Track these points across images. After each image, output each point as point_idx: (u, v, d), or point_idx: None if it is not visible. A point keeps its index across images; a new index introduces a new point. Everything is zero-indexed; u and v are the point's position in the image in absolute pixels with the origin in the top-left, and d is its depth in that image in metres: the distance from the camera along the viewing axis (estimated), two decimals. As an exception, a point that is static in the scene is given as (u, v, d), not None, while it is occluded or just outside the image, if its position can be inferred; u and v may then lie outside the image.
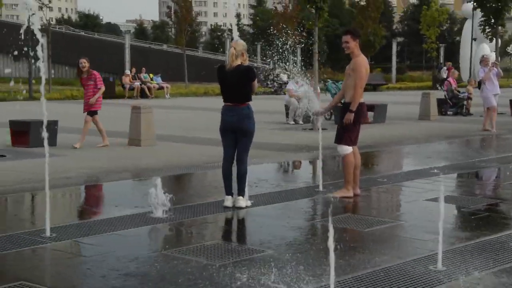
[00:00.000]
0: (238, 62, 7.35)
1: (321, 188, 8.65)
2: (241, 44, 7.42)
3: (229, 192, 7.59)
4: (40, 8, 35.32)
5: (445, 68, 41.44)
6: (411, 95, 30.78)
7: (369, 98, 27.04)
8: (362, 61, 8.10)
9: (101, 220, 6.91)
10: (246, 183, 7.60)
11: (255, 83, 7.43)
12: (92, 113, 13.28)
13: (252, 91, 7.47)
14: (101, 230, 6.49)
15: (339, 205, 7.87)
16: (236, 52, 7.32)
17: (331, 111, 19.36)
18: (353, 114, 7.98)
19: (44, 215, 6.31)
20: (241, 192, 7.52)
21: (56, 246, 5.95)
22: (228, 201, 7.55)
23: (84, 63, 13.25)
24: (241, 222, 7.27)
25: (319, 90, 18.59)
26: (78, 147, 12.89)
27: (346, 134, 8.10)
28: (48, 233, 6.22)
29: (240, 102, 7.40)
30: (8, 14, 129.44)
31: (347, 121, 8.00)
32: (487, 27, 24.18)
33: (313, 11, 17.15)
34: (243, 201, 7.52)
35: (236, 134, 7.48)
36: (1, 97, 29.49)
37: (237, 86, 7.37)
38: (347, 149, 8.15)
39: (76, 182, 9.36)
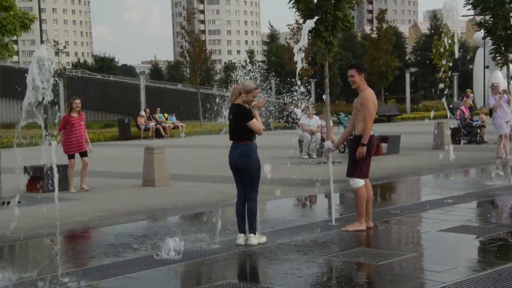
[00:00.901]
0: (238, 101, 7.47)
1: (333, 222, 8.62)
2: (242, 84, 7.51)
3: (241, 229, 7.60)
4: (56, 53, 36.00)
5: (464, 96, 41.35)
6: (425, 124, 30.69)
7: (383, 129, 27.21)
8: (369, 95, 8.17)
9: (115, 263, 6.92)
10: (258, 220, 7.59)
11: (252, 123, 7.39)
12: (85, 153, 13.27)
13: (254, 130, 7.45)
14: (114, 274, 6.49)
15: (352, 238, 7.84)
16: (235, 91, 7.44)
17: (344, 143, 19.41)
18: (365, 147, 7.99)
19: (57, 260, 6.34)
20: (251, 230, 7.52)
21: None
22: (241, 239, 7.55)
23: (79, 103, 13.19)
24: (252, 260, 7.24)
25: (331, 124, 18.65)
26: (74, 191, 12.86)
27: (357, 167, 8.11)
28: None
29: (239, 140, 7.48)
30: (25, 61, 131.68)
31: (360, 155, 8.02)
32: (497, 54, 24.20)
33: (323, 45, 17.25)
34: (254, 239, 7.51)
35: (240, 172, 7.53)
36: (19, 142, 29.81)
37: (233, 124, 7.51)
38: (359, 182, 8.15)
39: (90, 226, 9.39)
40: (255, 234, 7.53)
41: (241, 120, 7.44)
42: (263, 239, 7.60)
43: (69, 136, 13.12)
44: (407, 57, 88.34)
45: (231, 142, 7.61)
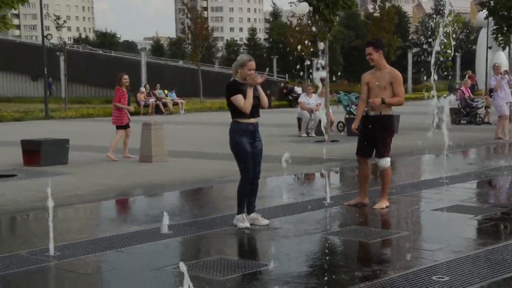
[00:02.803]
0: (237, 78, 7.34)
1: (328, 200, 8.64)
2: (237, 60, 7.41)
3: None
4: (57, 28, 35.83)
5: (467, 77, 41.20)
6: (426, 105, 30.66)
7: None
8: (400, 74, 8.25)
9: (109, 237, 6.93)
10: (242, 203, 7.32)
11: (235, 99, 7.11)
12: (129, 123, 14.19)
13: (237, 107, 7.16)
14: (107, 247, 6.50)
15: (346, 216, 7.86)
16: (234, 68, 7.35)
17: (343, 123, 19.37)
18: (382, 104, 7.99)
19: (49, 233, 6.35)
20: (238, 209, 7.37)
21: (59, 264, 5.97)
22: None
23: (128, 78, 14.38)
24: (248, 237, 7.25)
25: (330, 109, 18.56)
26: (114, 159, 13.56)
27: (388, 147, 8.15)
28: (52, 252, 6.25)
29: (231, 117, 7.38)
30: (27, 35, 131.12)
31: (372, 103, 8.01)
32: (499, 35, 24.07)
33: (323, 24, 17.13)
34: (235, 219, 7.36)
35: None
36: (19, 116, 29.78)
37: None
38: (389, 161, 8.27)
39: (85, 200, 9.40)
40: (237, 214, 7.42)
41: (226, 96, 7.26)
42: (245, 224, 7.25)
43: (118, 109, 14.07)
44: (409, 37, 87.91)
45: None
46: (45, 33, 32.54)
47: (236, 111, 7.22)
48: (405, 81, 54.99)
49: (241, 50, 68.88)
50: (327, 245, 6.52)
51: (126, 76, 14.26)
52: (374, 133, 8.15)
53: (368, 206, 8.32)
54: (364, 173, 8.43)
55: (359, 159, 8.46)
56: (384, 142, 8.17)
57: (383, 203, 8.27)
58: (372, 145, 8.24)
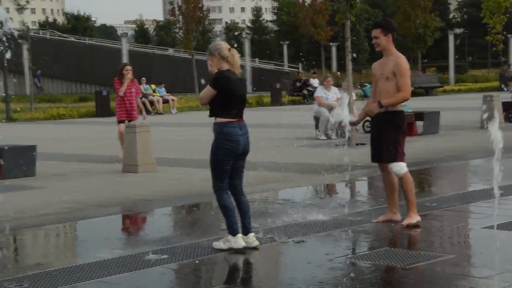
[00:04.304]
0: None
1: (360, 216, 8.67)
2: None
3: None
4: (18, 10, 36.00)
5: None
6: (473, 98, 30.65)
7: (419, 104, 27.15)
8: (405, 62, 8.28)
9: (83, 265, 6.94)
10: (227, 217, 7.44)
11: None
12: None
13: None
14: (82, 277, 6.51)
15: (375, 237, 7.85)
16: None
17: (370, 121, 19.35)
18: (378, 108, 8.09)
19: (14, 261, 6.36)
20: (228, 229, 7.43)
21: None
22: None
23: (130, 69, 15.18)
24: (255, 262, 7.26)
25: (354, 97, 18.58)
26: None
27: (399, 149, 8.17)
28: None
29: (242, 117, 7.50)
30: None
31: (368, 112, 8.27)
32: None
33: (344, 0, 17.14)
34: (219, 242, 7.43)
35: (242, 158, 7.55)
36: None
37: (245, 98, 7.62)
38: (404, 166, 8.25)
39: (55, 220, 9.42)
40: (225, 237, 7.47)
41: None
42: (232, 243, 7.35)
43: (119, 102, 15.16)
44: (450, 16, 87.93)
45: (232, 120, 7.44)
46: (5, 16, 32.63)
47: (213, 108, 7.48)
48: (445, 69, 55.05)
49: (243, 35, 68.93)
50: (352, 271, 6.50)
51: (128, 67, 15.19)
52: (381, 134, 8.16)
53: (399, 222, 8.32)
54: (388, 182, 8.41)
55: (380, 166, 8.49)
56: (394, 144, 8.17)
57: (413, 218, 8.26)
58: (379, 148, 8.24)
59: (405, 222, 8.22)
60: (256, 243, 7.44)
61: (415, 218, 8.26)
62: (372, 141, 8.44)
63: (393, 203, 8.44)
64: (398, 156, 8.20)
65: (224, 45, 7.48)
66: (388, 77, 8.20)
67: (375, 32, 8.26)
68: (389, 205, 8.48)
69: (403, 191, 8.37)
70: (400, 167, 8.23)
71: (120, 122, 15.10)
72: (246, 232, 7.45)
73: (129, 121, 14.97)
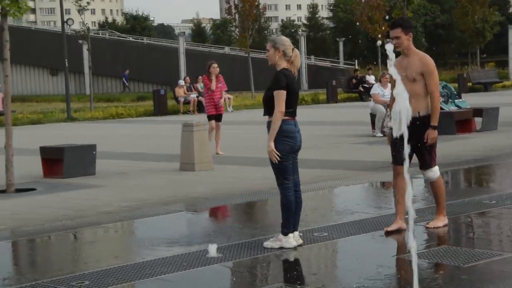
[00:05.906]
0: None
1: (416, 214, 8.56)
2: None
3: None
4: (79, 11, 36.55)
5: None
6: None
7: (477, 100, 26.79)
8: (432, 61, 8.01)
9: (146, 263, 7.04)
10: (286, 216, 7.42)
11: (275, 94, 7.30)
12: (220, 116, 16.12)
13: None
14: (144, 275, 6.61)
15: (433, 235, 7.79)
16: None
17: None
18: (436, 130, 7.88)
19: (74, 259, 6.49)
20: (282, 229, 7.46)
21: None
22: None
23: (217, 66, 16.06)
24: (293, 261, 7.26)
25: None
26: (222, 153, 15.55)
27: (434, 155, 8.02)
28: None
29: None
30: (44, 20, 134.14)
31: (431, 141, 7.88)
32: None
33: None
34: (271, 242, 7.45)
35: (296, 155, 7.58)
36: (36, 119, 30.41)
37: (297, 97, 7.63)
38: (437, 170, 8.09)
39: (114, 218, 9.56)
40: (282, 235, 7.44)
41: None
42: (283, 242, 7.37)
43: (208, 99, 16.05)
44: (510, 10, 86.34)
45: (289, 118, 7.45)
46: (65, 17, 33.26)
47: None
48: (505, 64, 54.12)
49: (299, 33, 68.84)
50: (409, 269, 6.46)
51: (215, 64, 16.03)
52: (417, 140, 7.75)
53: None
54: (401, 187, 7.92)
55: (397, 170, 8.01)
56: (430, 150, 7.99)
57: (439, 221, 8.08)
58: (421, 154, 8.00)
59: (432, 225, 8.06)
60: (300, 241, 7.46)
61: (443, 222, 8.09)
62: (398, 145, 7.73)
63: (403, 210, 7.99)
64: (432, 161, 8.02)
65: (290, 44, 7.48)
66: (415, 79, 7.84)
67: (395, 32, 7.88)
68: (399, 212, 8.06)
69: (434, 194, 8.19)
70: (434, 172, 8.07)
71: (210, 117, 15.86)
72: (293, 230, 7.47)
73: (218, 115, 15.97)
